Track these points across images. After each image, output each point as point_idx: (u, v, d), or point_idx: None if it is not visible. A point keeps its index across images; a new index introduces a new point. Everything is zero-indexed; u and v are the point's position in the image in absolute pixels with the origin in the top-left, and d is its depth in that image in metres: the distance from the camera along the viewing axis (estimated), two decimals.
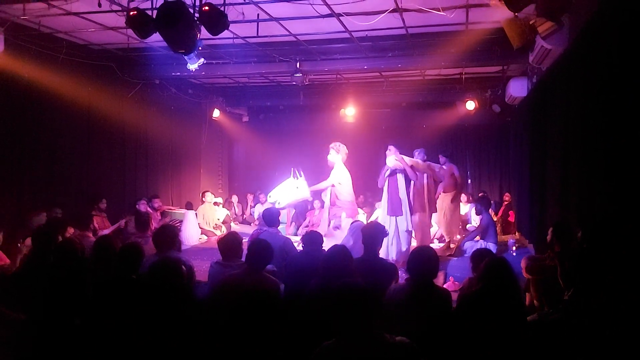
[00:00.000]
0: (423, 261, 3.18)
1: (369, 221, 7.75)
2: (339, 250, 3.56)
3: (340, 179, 7.34)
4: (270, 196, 8.32)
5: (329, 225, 7.49)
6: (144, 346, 2.81)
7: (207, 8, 4.57)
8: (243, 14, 5.84)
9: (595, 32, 4.39)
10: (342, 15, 6.04)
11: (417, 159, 7.30)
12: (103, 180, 8.35)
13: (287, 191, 8.01)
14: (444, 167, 7.97)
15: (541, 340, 2.84)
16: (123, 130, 8.85)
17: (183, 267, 3.16)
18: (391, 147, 6.89)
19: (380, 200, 9.75)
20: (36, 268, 3.54)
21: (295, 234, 9.13)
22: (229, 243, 4.14)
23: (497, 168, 11.98)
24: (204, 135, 11.53)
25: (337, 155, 7.44)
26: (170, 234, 4.39)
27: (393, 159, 6.77)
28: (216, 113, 11.13)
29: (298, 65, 7.85)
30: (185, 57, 5.36)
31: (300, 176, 7.96)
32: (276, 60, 7.93)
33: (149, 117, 9.43)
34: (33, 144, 7.09)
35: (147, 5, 5.11)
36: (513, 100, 9.14)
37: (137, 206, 8.24)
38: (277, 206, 7.69)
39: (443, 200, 8.02)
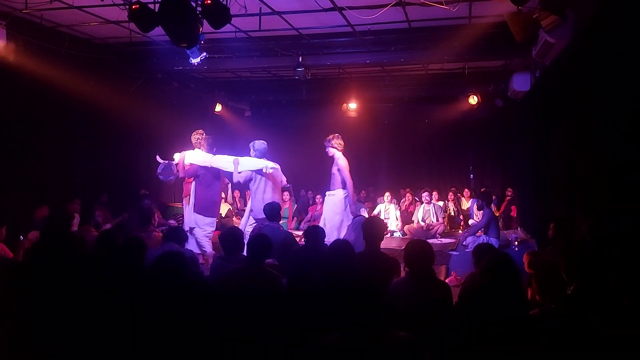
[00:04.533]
0: (418, 251, 3.22)
1: (370, 216, 7.77)
2: (342, 245, 3.57)
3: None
4: None
5: None
6: (149, 340, 2.82)
7: (209, 1, 4.57)
8: (245, 7, 5.82)
9: (599, 26, 4.37)
10: (345, 9, 6.02)
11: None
12: (105, 174, 8.36)
13: None
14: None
15: (543, 335, 2.84)
16: (125, 124, 8.84)
17: (186, 259, 3.17)
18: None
19: (382, 196, 9.82)
20: (39, 261, 3.54)
21: (298, 229, 9.14)
22: (230, 238, 4.15)
23: (499, 163, 11.96)
24: (206, 129, 11.49)
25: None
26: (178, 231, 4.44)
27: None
28: (218, 107, 11.11)
29: (300, 60, 7.83)
30: (188, 51, 5.37)
31: None
32: (279, 55, 7.91)
33: (151, 111, 9.40)
34: (35, 138, 7.11)
35: None
36: (516, 95, 9.10)
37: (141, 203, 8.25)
38: None
39: (332, 201, 7.00)
